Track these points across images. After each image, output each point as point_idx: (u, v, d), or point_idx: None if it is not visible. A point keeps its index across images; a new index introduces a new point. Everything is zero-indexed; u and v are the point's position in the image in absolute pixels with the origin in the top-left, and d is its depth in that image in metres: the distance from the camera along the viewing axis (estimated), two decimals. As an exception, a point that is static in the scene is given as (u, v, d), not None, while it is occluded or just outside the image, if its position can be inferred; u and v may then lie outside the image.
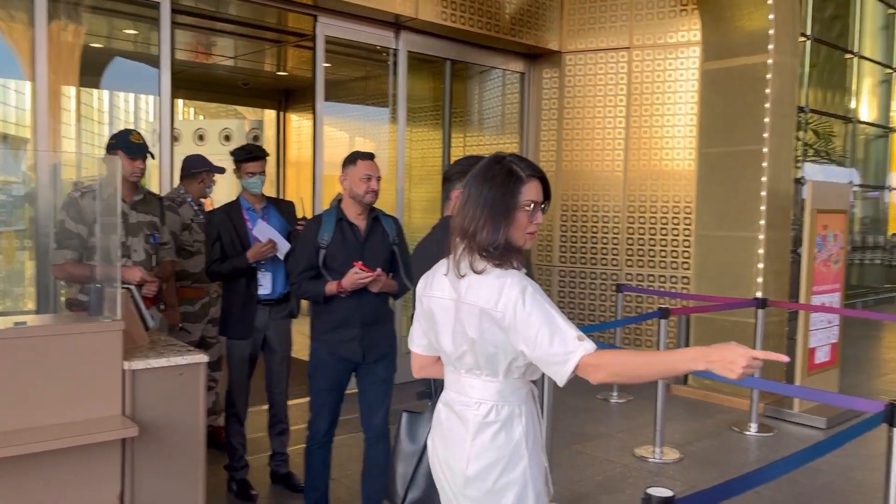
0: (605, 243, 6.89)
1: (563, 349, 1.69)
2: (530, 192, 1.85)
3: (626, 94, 6.74)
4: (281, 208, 4.03)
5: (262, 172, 3.88)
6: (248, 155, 3.85)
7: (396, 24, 6.06)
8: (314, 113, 5.77)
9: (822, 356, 5.81)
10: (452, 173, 2.76)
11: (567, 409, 5.68)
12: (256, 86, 9.82)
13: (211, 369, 4.48)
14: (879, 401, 2.53)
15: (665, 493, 1.63)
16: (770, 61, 5.86)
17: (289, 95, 9.88)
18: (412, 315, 2.68)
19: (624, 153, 6.77)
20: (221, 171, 4.61)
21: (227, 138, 12.30)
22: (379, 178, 3.32)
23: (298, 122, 9.85)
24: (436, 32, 6.30)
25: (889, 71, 12.32)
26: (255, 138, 12.27)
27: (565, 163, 6.99)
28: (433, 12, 5.96)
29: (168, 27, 4.92)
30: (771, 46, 5.85)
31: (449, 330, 1.89)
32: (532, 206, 1.84)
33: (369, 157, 3.32)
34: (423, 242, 2.87)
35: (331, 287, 3.23)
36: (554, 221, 7.06)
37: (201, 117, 12.63)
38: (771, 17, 5.84)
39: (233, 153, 3.90)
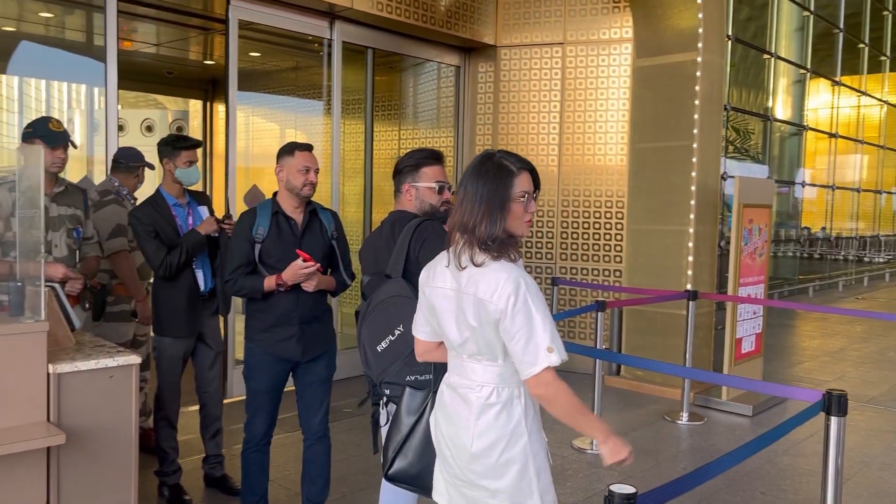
0: (540, 237, 6.95)
1: (533, 357, 1.88)
2: (522, 183, 1.98)
3: (559, 89, 6.80)
4: (200, 200, 3.91)
5: (197, 161, 3.74)
6: (186, 142, 3.69)
7: (331, 13, 5.93)
8: (227, 102, 5.56)
9: (748, 346, 6.01)
10: (404, 166, 2.69)
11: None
12: (181, 75, 9.47)
13: (140, 369, 4.28)
14: (818, 390, 2.60)
15: (627, 489, 1.62)
16: (699, 59, 6.00)
17: (216, 85, 9.56)
18: (357, 312, 2.61)
19: (558, 148, 6.83)
20: (153, 167, 4.39)
21: (149, 129, 11.82)
22: (317, 171, 3.20)
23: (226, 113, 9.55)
24: (371, 23, 6.20)
25: (803, 71, 12.86)
26: (180, 129, 11.85)
27: (500, 157, 7.00)
28: (368, 2, 5.86)
29: (114, 15, 4.73)
30: (700, 45, 6.00)
31: (452, 318, 2.02)
32: (525, 196, 1.97)
33: (308, 148, 3.19)
34: (371, 237, 2.79)
35: (269, 282, 3.10)
36: (489, 215, 7.06)
37: (119, 107, 12.13)
38: (700, 15, 5.99)
39: (168, 141, 3.72)
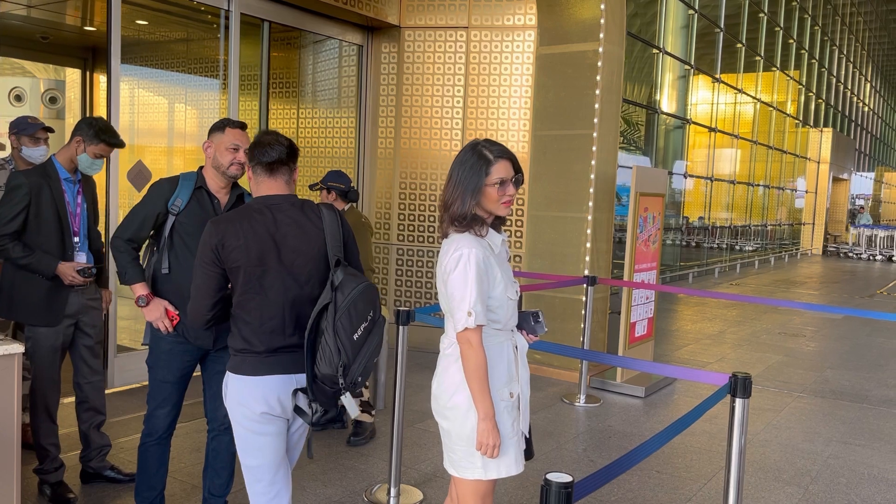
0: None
1: (458, 316, 2.24)
2: (499, 170, 2.27)
3: (463, 73, 6.77)
4: (86, 184, 3.63)
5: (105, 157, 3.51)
6: (113, 139, 3.44)
7: (228, -18, 5.64)
8: (109, 74, 5.15)
9: (640, 329, 6.24)
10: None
11: (409, 387, 5.65)
12: (58, 41, 8.78)
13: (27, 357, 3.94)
14: (724, 373, 2.70)
15: (564, 478, 1.61)
16: (601, 49, 6.13)
17: (97, 53, 8.93)
18: (325, 304, 2.56)
19: (461, 133, 6.81)
20: (24, 129, 3.75)
21: (19, 98, 10.96)
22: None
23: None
24: (271, -4, 5.94)
25: (687, 67, 13.47)
26: (53, 100, 11.03)
27: (403, 140, 6.91)
28: (269, -26, 5.61)
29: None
30: (602, 35, 6.12)
31: None
32: (501, 181, 2.27)
33: (240, 126, 3.03)
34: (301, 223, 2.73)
35: (138, 290, 2.95)
36: (392, 199, 6.97)
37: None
38: (602, 7, 6.11)
39: (94, 125, 3.43)
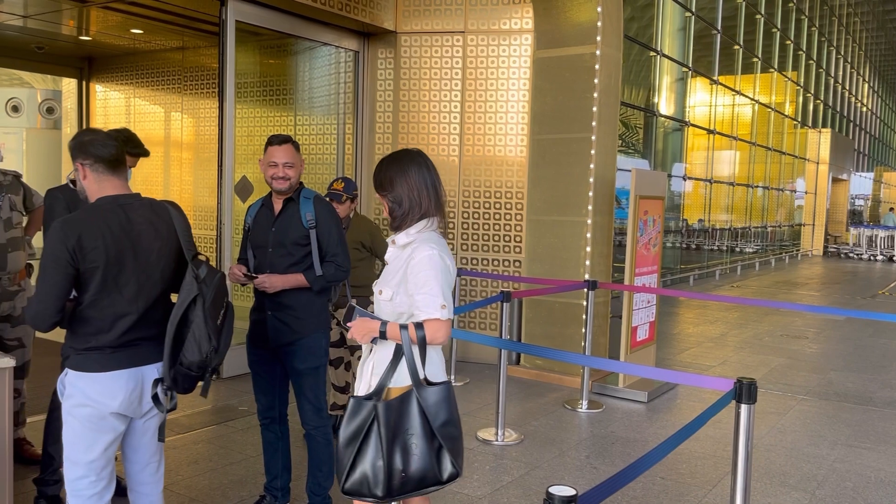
0: (442, 228, 6.87)
1: None
2: None
3: (461, 78, 6.74)
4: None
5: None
6: (137, 150, 3.47)
7: (223, -10, 5.60)
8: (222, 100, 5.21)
9: (642, 334, 6.18)
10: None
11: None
12: (54, 51, 8.75)
13: (15, 377, 3.89)
14: (728, 379, 2.65)
15: (567, 491, 1.56)
16: (598, 52, 6.09)
17: (92, 63, 8.90)
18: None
19: (459, 138, 6.77)
20: None
21: (16, 109, 10.95)
22: (289, 165, 3.27)
23: (105, 94, 8.91)
24: (266, 3, 5.90)
25: (685, 69, 13.44)
26: (50, 110, 11.01)
27: (401, 145, 6.87)
28: (263, -20, 5.57)
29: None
30: (599, 38, 6.09)
31: None
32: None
33: (278, 141, 3.29)
34: None
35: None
36: (390, 205, 6.93)
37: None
38: (599, 9, 6.07)
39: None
